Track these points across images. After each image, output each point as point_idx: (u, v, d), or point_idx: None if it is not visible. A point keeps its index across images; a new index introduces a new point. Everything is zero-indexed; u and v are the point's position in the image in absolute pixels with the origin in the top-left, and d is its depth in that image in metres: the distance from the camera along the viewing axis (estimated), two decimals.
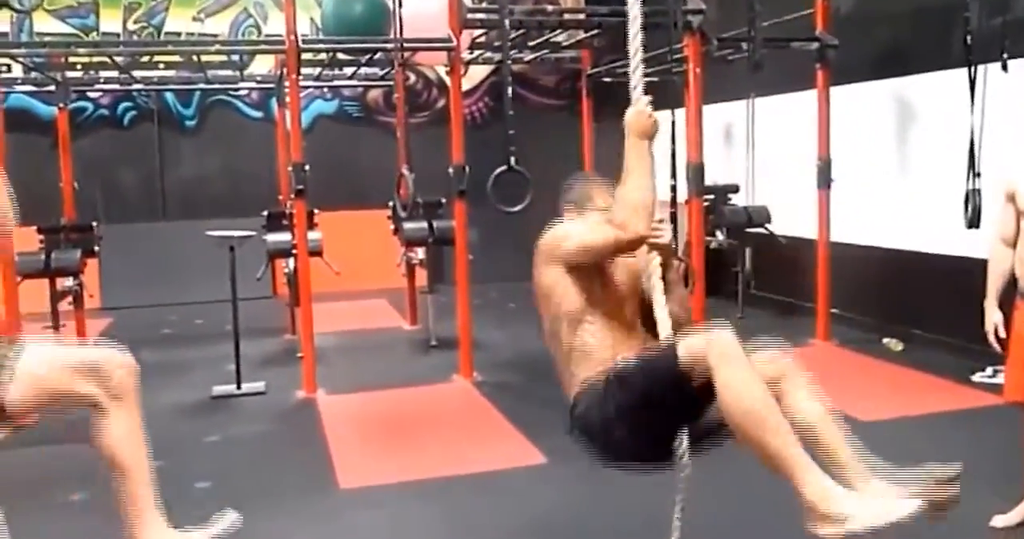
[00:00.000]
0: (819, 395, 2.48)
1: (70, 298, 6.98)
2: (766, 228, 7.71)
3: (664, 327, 2.55)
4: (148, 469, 2.40)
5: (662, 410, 2.38)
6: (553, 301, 2.60)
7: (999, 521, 3.52)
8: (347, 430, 5.19)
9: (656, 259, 2.63)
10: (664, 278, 2.63)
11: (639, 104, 2.65)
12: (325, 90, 10.28)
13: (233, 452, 4.94)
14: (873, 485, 2.34)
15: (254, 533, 3.79)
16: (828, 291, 6.88)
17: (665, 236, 2.62)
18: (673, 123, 4.94)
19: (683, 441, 2.45)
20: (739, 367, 2.23)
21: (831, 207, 6.83)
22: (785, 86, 7.67)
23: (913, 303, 6.70)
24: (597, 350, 2.54)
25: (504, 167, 5.68)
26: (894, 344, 6.58)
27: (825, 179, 6.74)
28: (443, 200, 7.31)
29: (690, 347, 2.27)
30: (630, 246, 2.51)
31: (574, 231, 2.59)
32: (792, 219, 7.51)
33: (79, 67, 8.91)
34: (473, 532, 3.79)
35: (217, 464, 4.73)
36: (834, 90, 6.75)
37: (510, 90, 5.75)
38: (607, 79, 8.60)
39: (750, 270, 7.98)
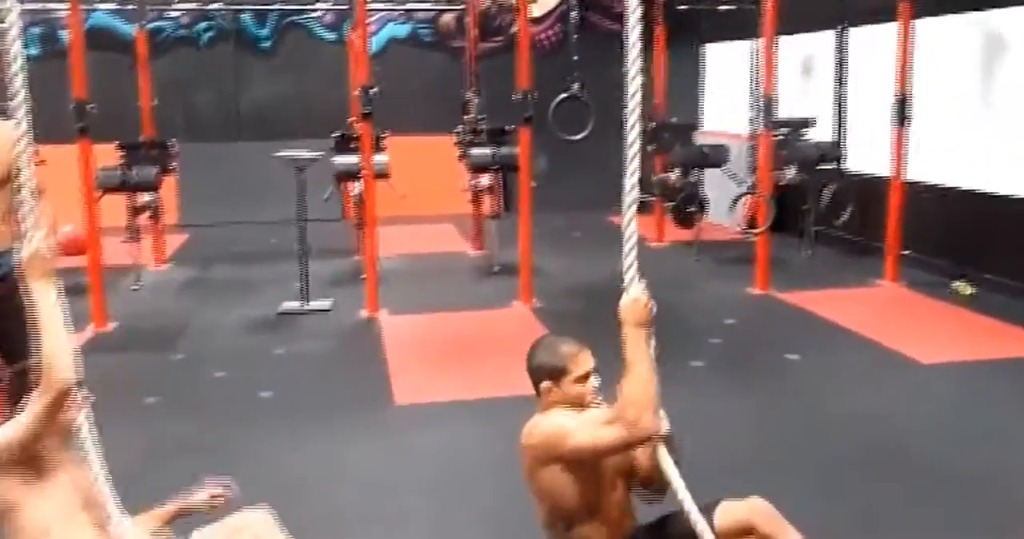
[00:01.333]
0: None
1: (148, 213, 7.21)
2: (838, 165, 7.53)
3: (686, 500, 2.43)
4: None
5: None
6: (549, 499, 2.50)
7: None
8: (406, 349, 5.34)
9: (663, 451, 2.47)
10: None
11: (633, 291, 2.44)
12: (399, 13, 10.25)
13: (296, 365, 5.14)
14: None
15: (311, 441, 4.00)
16: (899, 231, 6.74)
17: (663, 426, 2.44)
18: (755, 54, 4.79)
19: None
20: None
21: (908, 145, 6.63)
22: (867, 18, 7.39)
23: (987, 247, 6.52)
24: (599, 534, 2.49)
25: (565, 94, 5.63)
26: (964, 288, 6.44)
27: (901, 116, 6.53)
28: (509, 127, 7.29)
29: (726, 523, 2.36)
30: (640, 443, 2.41)
31: (577, 431, 2.40)
32: (868, 156, 7.32)
33: None
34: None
35: (280, 376, 4.93)
36: (917, 23, 6.49)
37: (577, 15, 5.65)
38: (682, 6, 8.40)
39: (827, 207, 7.76)
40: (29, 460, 2.20)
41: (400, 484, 3.59)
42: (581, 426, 2.39)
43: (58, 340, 2.20)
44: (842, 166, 7.51)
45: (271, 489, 3.49)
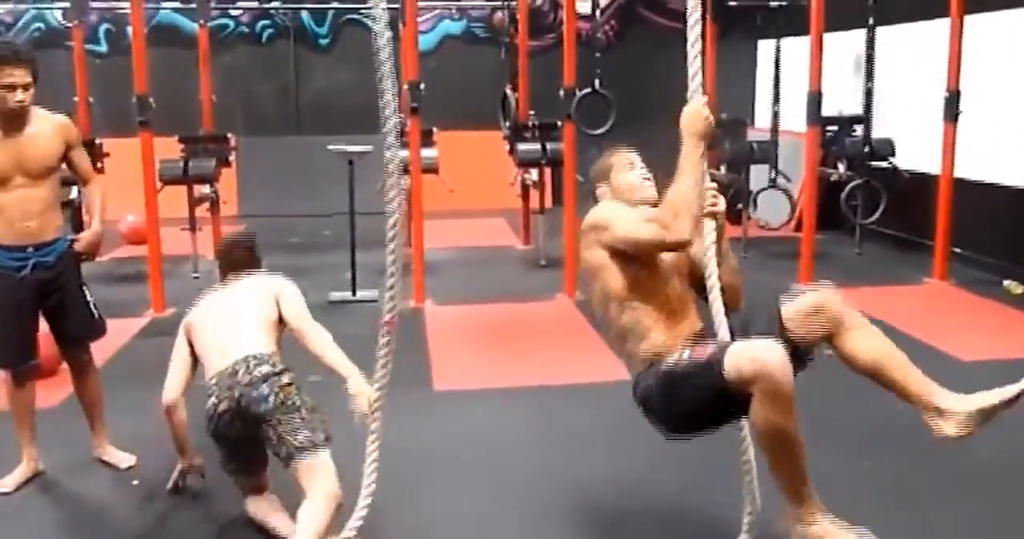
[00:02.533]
0: (872, 331, 2.52)
1: (207, 204, 7.47)
2: (889, 161, 7.48)
3: (716, 301, 2.56)
4: None
5: (716, 411, 2.47)
6: (599, 280, 2.63)
7: None
8: (448, 338, 5.49)
9: (712, 229, 2.58)
10: (717, 247, 2.60)
11: (696, 102, 2.48)
12: (453, 10, 10.40)
13: (344, 351, 5.29)
14: (952, 397, 2.47)
15: (352, 421, 4.16)
16: (948, 229, 6.68)
17: (720, 204, 2.59)
18: (778, 49, 4.81)
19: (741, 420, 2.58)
20: (781, 405, 2.25)
21: (958, 141, 6.57)
22: (917, 14, 7.33)
23: None
24: (648, 330, 2.57)
25: (588, 90, 5.72)
26: (1015, 287, 6.37)
27: (952, 112, 6.47)
28: (559, 122, 7.38)
29: (739, 369, 2.26)
30: (674, 247, 2.49)
31: (619, 221, 2.55)
32: (917, 153, 7.26)
33: None
34: (555, 435, 4.03)
35: None
36: (968, 18, 6.42)
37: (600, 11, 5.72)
38: (732, 3, 8.40)
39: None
40: None
41: (435, 461, 3.74)
42: (624, 218, 2.59)
43: None
44: (893, 162, 7.47)
45: None
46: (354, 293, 6.40)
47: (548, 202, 7.80)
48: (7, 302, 3.29)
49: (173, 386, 3.17)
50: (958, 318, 5.86)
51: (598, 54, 6.07)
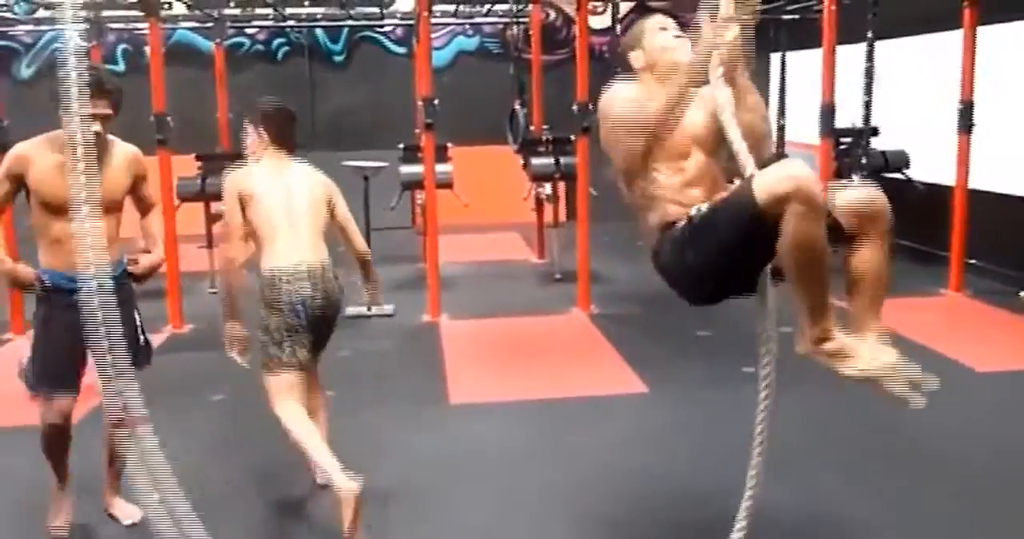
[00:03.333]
0: (882, 247, 2.47)
1: (223, 221, 7.52)
2: (904, 173, 7.47)
3: (740, 150, 2.42)
4: None
5: (742, 254, 2.37)
6: (615, 156, 2.59)
7: None
8: (463, 352, 5.51)
9: (719, 70, 2.47)
10: (734, 83, 2.49)
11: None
12: (467, 27, 10.49)
13: (359, 365, 5.35)
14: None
15: (368, 432, 4.20)
16: (964, 240, 6.66)
17: (729, 34, 2.42)
18: (783, 64, 4.83)
19: (766, 275, 2.48)
20: (815, 216, 2.19)
21: (972, 153, 6.56)
22: (931, 25, 7.34)
23: None
24: (663, 202, 2.53)
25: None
26: None
27: (966, 123, 6.47)
28: (572, 137, 7.42)
29: (771, 188, 2.17)
30: (689, 82, 2.39)
31: (610, 128, 2.53)
32: (931, 164, 7.25)
33: (235, 4, 9.42)
34: (569, 448, 4.04)
35: (344, 375, 5.12)
36: (981, 30, 6.43)
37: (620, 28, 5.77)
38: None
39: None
40: None
41: (449, 471, 3.78)
42: (616, 120, 2.52)
43: None
44: (908, 173, 7.46)
45: None
46: (369, 308, 6.41)
47: (562, 216, 7.83)
48: (61, 320, 3.12)
49: (239, 247, 3.43)
50: (973, 330, 5.84)
51: (617, 69, 6.09)
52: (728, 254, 2.37)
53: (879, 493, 3.40)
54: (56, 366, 3.21)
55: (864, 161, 7.19)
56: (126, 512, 3.47)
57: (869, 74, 6.72)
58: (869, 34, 6.63)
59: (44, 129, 3.22)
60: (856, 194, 2.44)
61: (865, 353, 2.36)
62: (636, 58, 2.67)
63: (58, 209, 2.98)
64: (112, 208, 3.16)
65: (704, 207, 2.42)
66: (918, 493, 3.22)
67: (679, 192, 2.52)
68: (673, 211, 2.51)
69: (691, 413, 4.39)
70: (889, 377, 2.33)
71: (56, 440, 3.27)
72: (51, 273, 3.17)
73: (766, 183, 2.18)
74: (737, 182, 2.46)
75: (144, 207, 3.52)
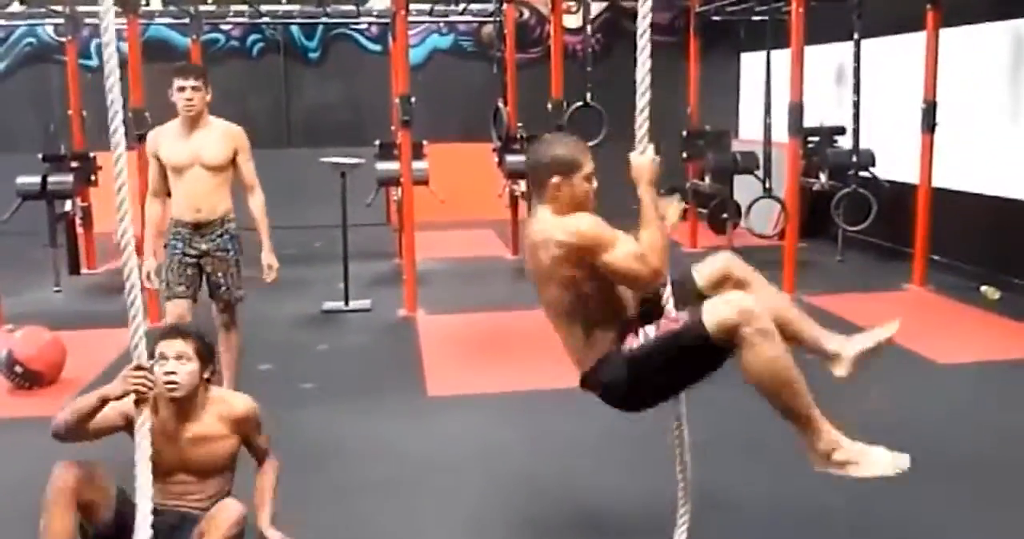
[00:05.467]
0: (771, 290, 2.75)
1: None
2: (870, 171, 7.64)
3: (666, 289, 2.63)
4: None
5: (692, 376, 2.61)
6: (566, 286, 2.59)
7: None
8: (440, 346, 5.61)
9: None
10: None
11: (645, 150, 2.59)
12: (441, 25, 10.56)
13: (337, 360, 5.43)
14: (838, 341, 2.71)
15: (348, 424, 4.29)
16: (927, 237, 6.85)
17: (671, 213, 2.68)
18: (768, 62, 4.96)
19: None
20: (772, 342, 2.41)
21: (935, 152, 6.74)
22: (896, 27, 7.53)
23: (1014, 251, 6.61)
24: (605, 325, 2.61)
25: (580, 103, 5.89)
26: (991, 292, 6.53)
27: (929, 123, 6.65)
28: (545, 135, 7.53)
29: (721, 319, 2.40)
30: (650, 283, 2.55)
31: (617, 251, 2.50)
32: (896, 163, 7.44)
33: (211, 1, 9.43)
34: (545, 438, 4.15)
35: (322, 369, 5.23)
36: (944, 32, 6.61)
37: (587, 29, 5.89)
38: (716, 18, 8.58)
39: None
40: None
41: (428, 462, 3.87)
42: (617, 246, 2.50)
43: None
44: (873, 172, 7.63)
45: (308, 462, 3.79)
46: (347, 303, 6.51)
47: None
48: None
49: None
50: (935, 323, 6.01)
51: (589, 68, 6.26)
52: (678, 375, 2.59)
53: (840, 483, 3.52)
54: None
55: (854, 160, 7.38)
56: None
57: (856, 74, 6.86)
58: (856, 34, 6.77)
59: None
60: (713, 271, 2.72)
61: (875, 458, 2.52)
62: (556, 184, 2.58)
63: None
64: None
65: (651, 334, 2.55)
66: (879, 481, 3.33)
67: (615, 316, 2.64)
68: (611, 335, 2.62)
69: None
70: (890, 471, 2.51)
71: None
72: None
73: (714, 315, 2.40)
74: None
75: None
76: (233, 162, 4.34)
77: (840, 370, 2.67)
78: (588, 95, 6.20)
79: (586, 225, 2.53)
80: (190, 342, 2.75)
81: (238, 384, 4.30)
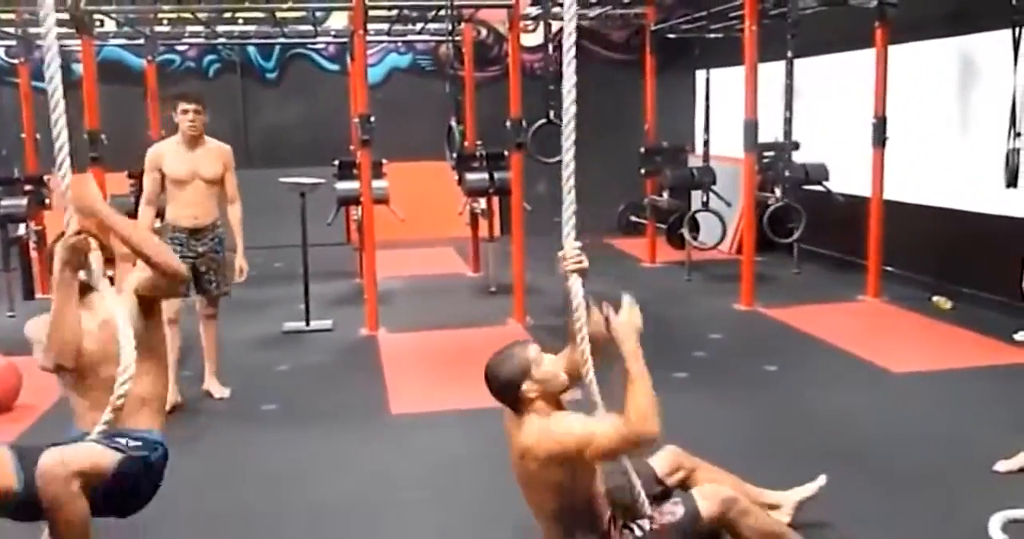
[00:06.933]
0: (712, 469, 3.13)
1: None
2: (824, 186, 7.77)
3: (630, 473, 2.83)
4: None
5: None
6: (552, 489, 2.69)
7: (1001, 466, 3.69)
8: (403, 364, 5.60)
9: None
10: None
11: (631, 307, 2.72)
12: (399, 44, 10.60)
13: (299, 380, 5.40)
14: (777, 495, 3.25)
15: (310, 444, 4.27)
16: (880, 249, 6.98)
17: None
18: (708, 81, 5.05)
19: None
20: (754, 515, 2.82)
21: (886, 165, 6.89)
22: (848, 44, 7.69)
23: (965, 262, 6.75)
24: (595, 521, 2.78)
25: (543, 120, 5.96)
26: (943, 302, 6.67)
27: (880, 137, 6.80)
28: (506, 152, 7.57)
29: (711, 511, 2.76)
30: (648, 444, 2.67)
31: (601, 436, 2.58)
32: (849, 177, 7.58)
33: (166, 22, 9.39)
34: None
35: (284, 390, 5.20)
36: (894, 48, 6.77)
37: (553, 46, 5.98)
38: (671, 35, 8.71)
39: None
40: None
41: (394, 480, 3.87)
42: (604, 432, 2.58)
43: None
44: (827, 186, 7.76)
45: (272, 483, 3.77)
46: (308, 323, 6.48)
47: (496, 231, 7.96)
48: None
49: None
50: (890, 333, 6.13)
51: (552, 86, 6.33)
52: None
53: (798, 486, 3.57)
54: None
55: (787, 174, 7.47)
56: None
57: (789, 91, 7.00)
58: (789, 53, 6.92)
59: None
60: (666, 463, 3.06)
61: None
62: (529, 389, 2.68)
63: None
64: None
65: (647, 527, 2.79)
66: (835, 488, 3.38)
67: (599, 520, 2.80)
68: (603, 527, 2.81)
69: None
70: None
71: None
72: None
73: (706, 508, 2.75)
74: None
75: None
76: (222, 177, 4.96)
77: (784, 517, 3.16)
78: (551, 112, 6.28)
79: (572, 427, 2.62)
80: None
81: (220, 372, 5.06)
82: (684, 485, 3.04)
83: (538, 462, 2.65)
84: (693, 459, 3.12)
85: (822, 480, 3.24)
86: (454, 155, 7.32)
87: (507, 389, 2.72)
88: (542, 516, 2.82)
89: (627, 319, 2.69)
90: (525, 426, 2.70)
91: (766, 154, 7.93)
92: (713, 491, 2.83)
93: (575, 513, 2.76)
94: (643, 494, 2.83)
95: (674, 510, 2.80)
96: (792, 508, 3.21)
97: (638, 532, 2.79)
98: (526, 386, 2.69)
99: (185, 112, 4.84)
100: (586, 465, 2.68)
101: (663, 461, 3.07)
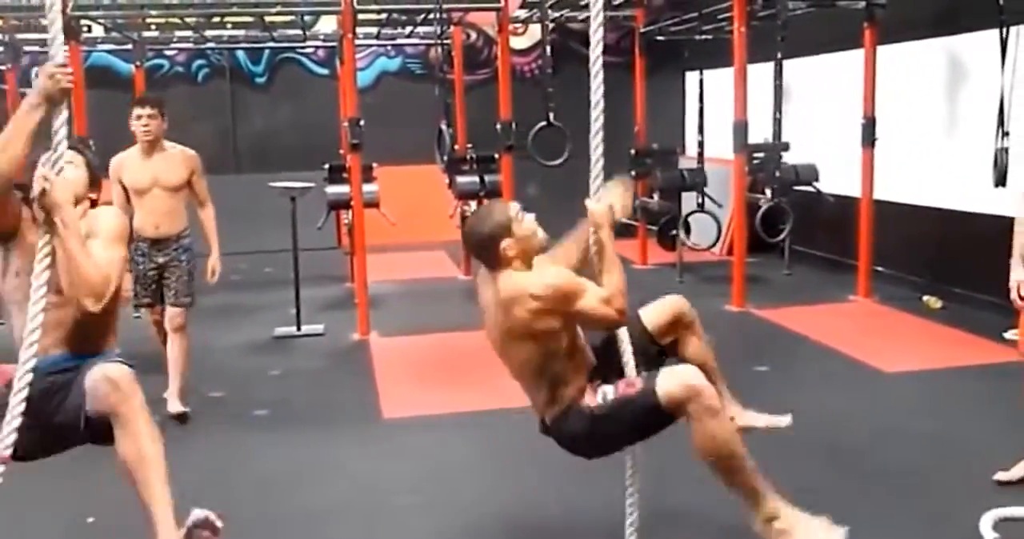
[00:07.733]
0: (705, 340, 3.02)
1: None
2: (814, 186, 7.79)
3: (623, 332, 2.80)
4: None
5: (645, 433, 2.77)
6: (539, 340, 2.68)
7: (1001, 476, 3.62)
8: (394, 368, 5.59)
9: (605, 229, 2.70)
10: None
11: (601, 202, 2.70)
12: (388, 48, 10.59)
13: (290, 385, 5.38)
14: (736, 410, 3.04)
15: (303, 449, 4.25)
16: (870, 249, 7.00)
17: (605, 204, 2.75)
18: (701, 82, 5.06)
19: None
20: (716, 419, 2.59)
21: (876, 166, 6.91)
22: (838, 44, 7.72)
23: (955, 261, 6.78)
24: (569, 378, 2.74)
25: (543, 123, 5.95)
26: (933, 302, 6.69)
27: (869, 137, 6.82)
28: (496, 155, 7.56)
29: (671, 394, 2.59)
30: (618, 325, 2.70)
31: (587, 296, 2.59)
32: (839, 177, 7.60)
33: (154, 27, 9.36)
34: (502, 456, 4.15)
35: (276, 395, 5.17)
36: (882, 49, 6.80)
37: (550, 49, 6.02)
38: (660, 37, 8.72)
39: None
40: None
41: (387, 484, 3.84)
42: (591, 295, 2.60)
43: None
44: (817, 186, 7.78)
45: (264, 489, 3.75)
46: (299, 328, 6.46)
47: None
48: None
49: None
50: (881, 333, 6.14)
51: (551, 89, 6.32)
52: (634, 434, 2.77)
53: (790, 487, 3.57)
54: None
55: (776, 175, 7.48)
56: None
57: (778, 92, 7.02)
58: (778, 54, 6.93)
59: None
60: (663, 313, 2.96)
61: (812, 528, 2.70)
62: (508, 246, 2.67)
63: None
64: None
65: (609, 395, 2.72)
66: (829, 486, 3.39)
67: (576, 369, 2.77)
68: (576, 387, 2.76)
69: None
70: None
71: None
72: None
73: (665, 389, 2.59)
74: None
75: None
76: (188, 183, 4.86)
77: (756, 527, 2.87)
78: (551, 115, 6.25)
79: (558, 277, 2.63)
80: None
81: (186, 390, 4.71)
82: (675, 349, 2.97)
83: (525, 309, 2.60)
84: (694, 314, 2.98)
85: (788, 419, 3.07)
86: (444, 158, 7.30)
87: (486, 244, 2.69)
88: (526, 372, 2.77)
89: (602, 207, 2.67)
90: (502, 279, 2.68)
91: (756, 155, 7.95)
92: (681, 374, 2.63)
93: (555, 367, 2.72)
94: (631, 356, 2.77)
95: (636, 383, 2.70)
96: (741, 424, 2.98)
97: (600, 398, 2.72)
98: (505, 243, 2.66)
99: (139, 117, 4.70)
100: (569, 315, 2.64)
101: (658, 314, 2.94)
